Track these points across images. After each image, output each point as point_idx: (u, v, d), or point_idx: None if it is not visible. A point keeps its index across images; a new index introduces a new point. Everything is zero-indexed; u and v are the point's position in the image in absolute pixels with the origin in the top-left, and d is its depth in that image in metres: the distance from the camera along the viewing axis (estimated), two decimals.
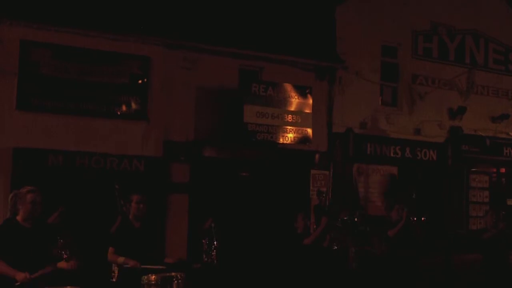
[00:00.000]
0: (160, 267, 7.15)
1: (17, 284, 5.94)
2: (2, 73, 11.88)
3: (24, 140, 11.90)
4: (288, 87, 13.94)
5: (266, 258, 12.30)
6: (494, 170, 18.04)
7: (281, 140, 13.72)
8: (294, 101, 13.93)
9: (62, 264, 6.74)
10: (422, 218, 11.63)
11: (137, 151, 12.91)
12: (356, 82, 15.53)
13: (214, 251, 10.93)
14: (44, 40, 12.23)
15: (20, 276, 5.93)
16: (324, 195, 13.62)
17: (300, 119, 13.94)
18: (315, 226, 11.26)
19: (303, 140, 13.98)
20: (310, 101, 14.13)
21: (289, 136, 13.78)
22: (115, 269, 7.58)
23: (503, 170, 18.15)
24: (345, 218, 10.81)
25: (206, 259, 10.89)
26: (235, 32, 14.00)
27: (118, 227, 8.10)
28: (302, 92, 14.08)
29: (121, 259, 7.10)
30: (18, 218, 6.30)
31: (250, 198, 13.72)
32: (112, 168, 12.60)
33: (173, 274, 7.06)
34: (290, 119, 13.83)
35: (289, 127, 13.79)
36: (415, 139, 16.31)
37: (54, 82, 12.29)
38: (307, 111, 14.07)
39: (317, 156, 14.56)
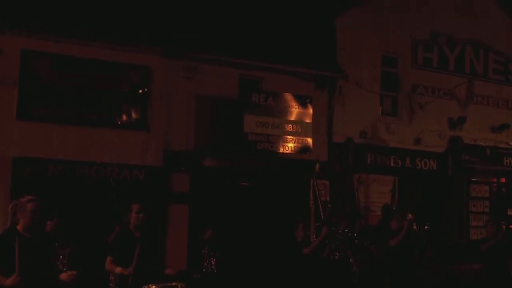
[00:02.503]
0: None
1: None
2: (2, 83, 11.90)
3: (24, 149, 11.91)
4: (288, 96, 13.95)
5: (266, 267, 12.28)
6: (494, 180, 18.02)
7: (281, 150, 13.71)
8: (294, 110, 13.94)
9: (62, 276, 6.72)
10: (425, 227, 11.64)
11: (137, 161, 12.92)
12: (356, 91, 15.55)
13: (214, 260, 10.91)
14: (45, 50, 12.27)
15: (9, 281, 5.89)
16: (329, 204, 13.62)
17: (300, 128, 13.94)
18: (315, 236, 11.24)
19: (303, 149, 13.98)
20: (310, 110, 14.13)
21: (289, 146, 13.78)
22: (112, 279, 7.55)
23: (503, 180, 18.12)
24: (346, 230, 10.77)
25: (206, 268, 10.87)
26: (235, 42, 14.04)
27: (118, 236, 8.06)
28: (302, 101, 14.08)
29: (118, 269, 7.05)
30: (18, 227, 6.28)
31: (250, 208, 13.71)
32: (112, 178, 12.60)
33: (173, 284, 7.03)
34: (290, 128, 13.83)
35: (289, 137, 13.79)
36: (415, 149, 16.31)
37: (54, 92, 12.33)
38: (307, 120, 14.07)
39: (317, 165, 14.53)
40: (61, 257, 9.08)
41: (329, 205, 13.73)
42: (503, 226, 11.99)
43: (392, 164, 15.97)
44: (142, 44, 13.06)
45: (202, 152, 13.47)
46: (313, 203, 14.32)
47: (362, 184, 15.69)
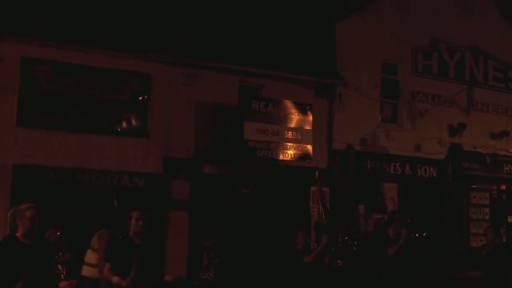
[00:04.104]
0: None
1: None
2: (2, 90, 11.90)
3: (24, 156, 11.90)
4: (288, 103, 13.97)
5: (266, 275, 12.24)
6: (494, 187, 18.00)
7: (281, 157, 13.71)
8: (294, 117, 13.95)
9: (62, 284, 6.71)
10: (424, 234, 11.63)
11: (137, 168, 12.90)
12: (356, 98, 15.55)
13: (213, 268, 10.88)
14: (45, 57, 12.27)
15: None
16: (325, 211, 13.58)
17: (300, 135, 13.95)
18: (315, 244, 11.23)
19: (303, 156, 13.97)
20: (310, 117, 14.14)
21: (289, 153, 13.78)
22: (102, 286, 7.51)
23: (503, 187, 18.10)
24: (346, 237, 10.76)
25: (205, 276, 10.84)
26: (235, 49, 14.05)
27: (117, 244, 8.03)
28: (302, 109, 14.10)
29: (115, 279, 7.00)
30: (18, 234, 6.27)
31: (250, 215, 13.67)
32: (112, 184, 12.59)
33: None
34: (290, 135, 13.84)
35: (289, 144, 13.80)
36: (415, 156, 16.30)
37: (54, 99, 12.31)
38: (307, 127, 14.08)
39: (317, 172, 14.49)
40: (60, 265, 9.05)
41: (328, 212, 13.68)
42: (502, 232, 12.01)
43: (392, 171, 15.96)
44: (142, 51, 13.08)
45: (202, 159, 13.47)
46: (313, 210, 14.35)
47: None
